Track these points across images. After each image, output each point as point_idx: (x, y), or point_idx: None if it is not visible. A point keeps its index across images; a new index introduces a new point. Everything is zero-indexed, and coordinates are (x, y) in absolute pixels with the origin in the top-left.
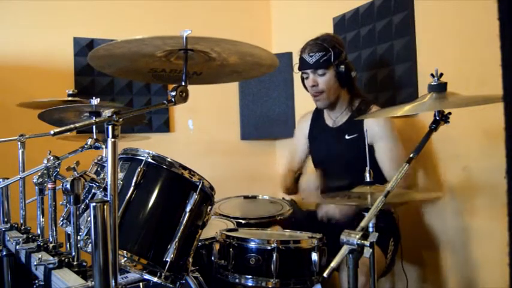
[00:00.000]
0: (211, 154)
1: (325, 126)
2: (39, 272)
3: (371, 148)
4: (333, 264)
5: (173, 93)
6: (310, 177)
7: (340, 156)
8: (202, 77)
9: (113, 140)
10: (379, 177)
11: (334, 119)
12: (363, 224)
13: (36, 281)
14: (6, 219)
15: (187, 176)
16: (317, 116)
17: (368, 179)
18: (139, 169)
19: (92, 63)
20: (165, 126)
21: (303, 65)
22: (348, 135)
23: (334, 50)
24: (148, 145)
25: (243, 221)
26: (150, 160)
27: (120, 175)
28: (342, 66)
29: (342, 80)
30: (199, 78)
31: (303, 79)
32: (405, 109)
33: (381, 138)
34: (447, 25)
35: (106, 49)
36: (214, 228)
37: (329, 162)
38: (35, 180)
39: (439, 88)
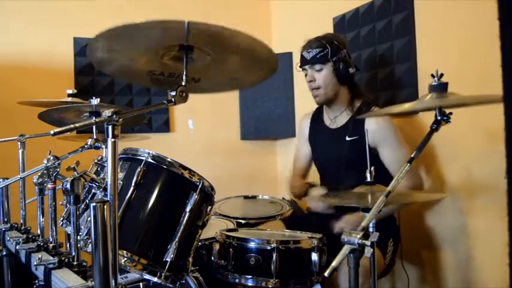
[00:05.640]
0: (211, 154)
1: (325, 127)
2: (39, 272)
3: (373, 150)
4: (334, 263)
5: (173, 93)
6: (320, 197)
7: (341, 157)
8: (201, 85)
9: (113, 140)
10: (383, 178)
11: (333, 118)
12: (363, 224)
13: (36, 281)
14: (6, 219)
15: (187, 176)
16: (316, 117)
17: (369, 179)
18: (139, 169)
19: (91, 57)
20: (165, 126)
21: (302, 62)
22: (349, 137)
23: (331, 46)
24: (148, 145)
25: (243, 221)
26: (150, 160)
27: (120, 175)
28: (340, 63)
29: (340, 77)
30: (198, 86)
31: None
32: (405, 107)
33: (385, 141)
34: (447, 25)
35: (106, 39)
36: (214, 228)
37: (330, 163)
38: (35, 180)
39: (440, 88)
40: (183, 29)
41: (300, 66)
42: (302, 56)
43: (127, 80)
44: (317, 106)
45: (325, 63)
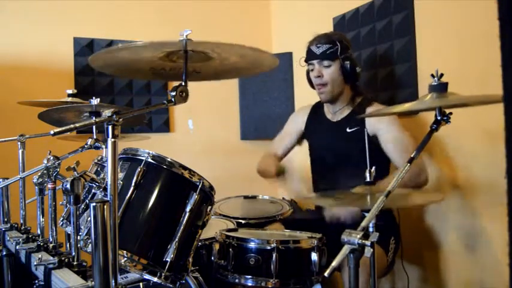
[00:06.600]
0: (211, 154)
1: (325, 119)
2: (39, 272)
3: (374, 139)
4: (334, 263)
5: (173, 93)
6: (297, 180)
7: (341, 149)
8: (202, 75)
9: (113, 140)
10: (383, 170)
11: (333, 113)
12: (363, 223)
13: (36, 281)
14: (6, 219)
15: (187, 176)
16: (316, 109)
17: (368, 179)
18: (139, 169)
19: (93, 65)
20: (165, 126)
21: (310, 56)
22: (350, 128)
23: (341, 44)
24: (148, 145)
25: (243, 221)
26: (150, 160)
27: (120, 175)
28: (348, 61)
29: (347, 75)
30: (199, 75)
31: (308, 73)
32: (405, 107)
33: (386, 127)
34: (447, 25)
35: (106, 55)
36: (214, 228)
37: (330, 155)
38: (35, 180)
39: (440, 88)
40: (181, 45)
41: (306, 61)
42: (310, 50)
43: (128, 78)
44: (316, 101)
45: (334, 60)
